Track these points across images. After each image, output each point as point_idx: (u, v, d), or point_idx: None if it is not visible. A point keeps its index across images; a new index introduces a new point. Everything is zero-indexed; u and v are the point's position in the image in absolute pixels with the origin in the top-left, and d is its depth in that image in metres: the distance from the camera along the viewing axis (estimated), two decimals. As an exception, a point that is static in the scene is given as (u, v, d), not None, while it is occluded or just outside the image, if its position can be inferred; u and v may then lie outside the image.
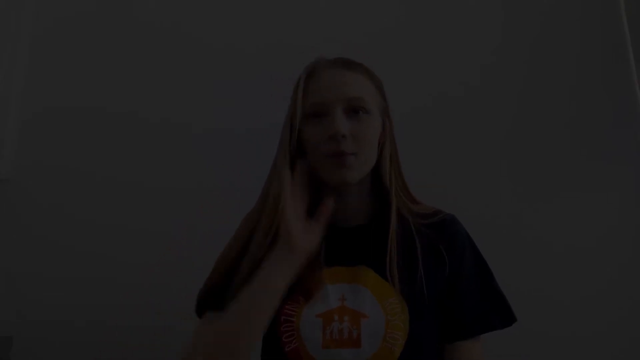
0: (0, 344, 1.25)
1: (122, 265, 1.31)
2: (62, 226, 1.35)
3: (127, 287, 1.30)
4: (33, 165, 1.39)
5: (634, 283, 1.22)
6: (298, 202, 0.78)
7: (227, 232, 0.86)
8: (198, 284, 0.83)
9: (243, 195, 0.88)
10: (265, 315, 0.73)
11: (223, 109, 1.39)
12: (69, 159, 1.39)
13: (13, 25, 1.44)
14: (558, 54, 1.37)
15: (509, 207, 1.28)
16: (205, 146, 1.38)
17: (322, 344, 0.75)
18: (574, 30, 1.38)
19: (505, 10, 1.41)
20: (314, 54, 0.86)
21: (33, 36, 1.47)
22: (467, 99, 1.36)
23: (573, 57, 1.37)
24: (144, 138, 1.40)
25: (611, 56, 1.35)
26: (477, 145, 1.33)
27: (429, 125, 1.33)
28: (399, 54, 1.37)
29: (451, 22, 1.41)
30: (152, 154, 1.39)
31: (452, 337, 0.80)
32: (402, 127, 0.92)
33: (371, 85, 0.83)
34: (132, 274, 1.30)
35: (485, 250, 0.85)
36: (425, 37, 1.40)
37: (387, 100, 0.86)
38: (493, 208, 1.27)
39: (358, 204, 0.85)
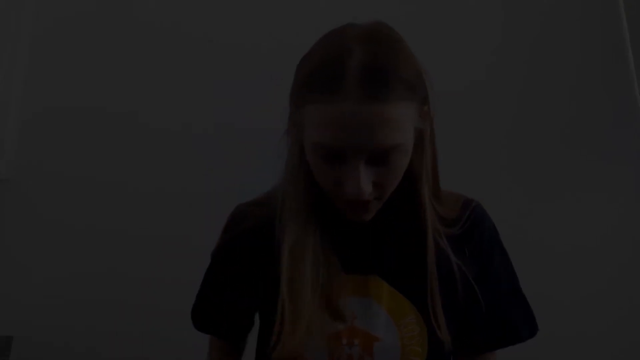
0: (0, 344, 1.24)
1: (122, 265, 1.31)
2: (62, 226, 1.35)
3: (127, 287, 1.30)
4: (33, 165, 1.39)
5: (634, 283, 1.22)
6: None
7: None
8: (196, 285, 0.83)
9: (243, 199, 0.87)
10: None
11: (224, 109, 1.39)
12: (69, 159, 1.39)
13: (13, 25, 1.43)
14: (558, 54, 1.37)
15: (508, 207, 1.28)
16: (207, 148, 1.37)
17: None
18: (574, 30, 1.38)
19: (505, 10, 1.41)
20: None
21: (33, 36, 1.47)
22: (467, 99, 1.36)
23: (573, 57, 1.37)
24: (144, 138, 1.40)
25: (611, 56, 1.35)
26: (476, 145, 1.33)
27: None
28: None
29: (451, 23, 1.41)
30: (153, 154, 1.39)
31: (475, 349, 0.71)
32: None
33: (412, 106, 0.60)
34: (132, 274, 1.30)
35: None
36: (425, 37, 1.39)
37: (428, 100, 0.65)
38: (492, 208, 1.26)
39: None
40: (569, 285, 1.23)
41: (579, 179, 1.29)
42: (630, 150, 1.29)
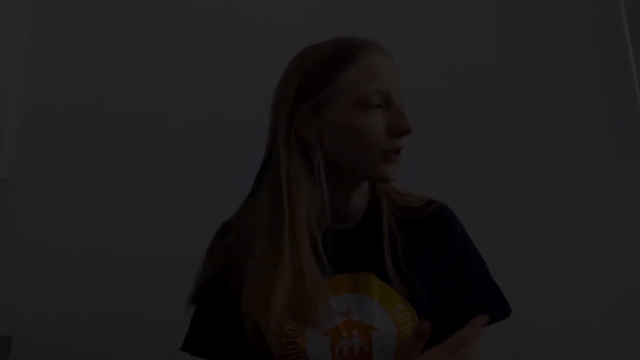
0: (0, 344, 1.24)
1: (123, 264, 1.31)
2: (62, 226, 1.34)
3: (127, 286, 1.30)
4: (33, 165, 1.39)
5: (631, 282, 1.24)
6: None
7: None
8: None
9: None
10: None
11: (223, 99, 1.39)
12: (68, 159, 1.39)
13: (12, 24, 1.43)
14: (554, 53, 1.37)
15: (503, 208, 1.29)
16: (209, 138, 1.37)
17: None
18: (571, 28, 1.38)
19: (499, 7, 1.41)
20: (309, 36, 0.81)
21: (31, 34, 1.47)
22: (460, 98, 1.36)
23: (570, 57, 1.37)
24: (145, 133, 1.39)
25: (610, 55, 1.35)
26: (469, 145, 1.34)
27: (421, 125, 1.31)
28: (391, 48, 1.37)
29: (445, 21, 1.41)
30: (154, 148, 1.38)
31: (451, 332, 0.75)
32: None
33: None
34: (133, 273, 1.30)
35: (480, 245, 0.83)
36: (419, 35, 1.39)
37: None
38: (486, 209, 1.27)
39: (358, 202, 0.78)
40: (567, 284, 1.24)
41: (577, 181, 1.30)
42: (630, 149, 1.30)
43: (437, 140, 1.32)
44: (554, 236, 1.27)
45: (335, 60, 0.71)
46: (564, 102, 1.34)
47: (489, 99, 1.36)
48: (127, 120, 1.40)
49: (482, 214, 1.23)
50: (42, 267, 1.33)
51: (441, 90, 1.35)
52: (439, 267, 0.76)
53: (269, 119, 0.77)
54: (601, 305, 1.23)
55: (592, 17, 1.38)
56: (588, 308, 1.23)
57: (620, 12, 1.35)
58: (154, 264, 1.30)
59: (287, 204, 0.70)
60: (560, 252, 1.26)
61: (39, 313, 1.30)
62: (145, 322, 1.27)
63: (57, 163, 1.39)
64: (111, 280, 1.31)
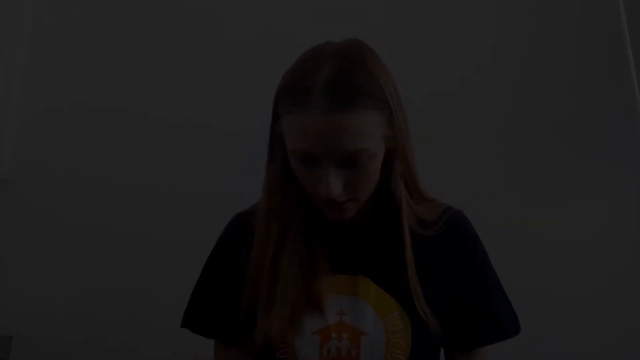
0: (0, 344, 1.24)
1: (122, 265, 1.31)
2: (62, 226, 1.35)
3: (127, 286, 1.30)
4: (33, 165, 1.39)
5: (630, 283, 1.24)
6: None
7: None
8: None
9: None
10: None
11: (223, 109, 1.39)
12: (68, 159, 1.39)
13: (12, 24, 1.43)
14: (555, 54, 1.37)
15: (504, 210, 1.29)
16: (210, 147, 1.37)
17: None
18: (571, 29, 1.38)
19: (499, 8, 1.41)
20: (309, 36, 0.82)
21: (32, 35, 1.47)
22: (461, 100, 1.36)
23: (570, 57, 1.37)
24: (143, 137, 1.39)
25: (610, 55, 1.35)
26: (471, 146, 1.33)
27: (421, 126, 1.32)
28: (392, 48, 1.37)
29: (445, 21, 1.41)
30: (152, 152, 1.39)
31: (465, 346, 0.76)
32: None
33: (377, 115, 0.65)
34: (132, 274, 1.30)
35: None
36: (419, 36, 1.39)
37: (397, 109, 0.69)
38: (487, 210, 1.26)
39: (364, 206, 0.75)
40: (566, 284, 1.24)
41: (577, 181, 1.30)
42: (629, 151, 1.29)
43: (436, 140, 1.32)
44: (555, 236, 1.27)
45: (285, 100, 0.67)
46: (563, 102, 1.34)
47: (488, 99, 1.36)
48: (127, 122, 1.40)
49: (483, 214, 1.23)
50: (42, 267, 1.33)
51: (440, 91, 1.35)
52: (448, 281, 0.76)
53: None
54: (601, 306, 1.23)
55: (592, 17, 1.38)
56: (588, 308, 1.23)
57: (620, 12, 1.35)
58: (154, 264, 1.30)
59: (268, 196, 0.76)
60: (561, 252, 1.26)
61: (39, 313, 1.30)
62: (145, 322, 1.27)
63: (57, 163, 1.39)
64: (111, 281, 1.31)
